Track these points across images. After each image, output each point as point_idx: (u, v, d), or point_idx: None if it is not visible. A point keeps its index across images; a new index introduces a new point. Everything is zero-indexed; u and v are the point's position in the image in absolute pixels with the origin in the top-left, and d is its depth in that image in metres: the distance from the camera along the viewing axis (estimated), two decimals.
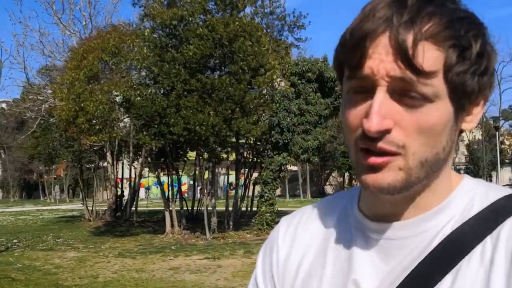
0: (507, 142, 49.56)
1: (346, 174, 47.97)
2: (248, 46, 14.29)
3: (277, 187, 16.56)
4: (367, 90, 0.65)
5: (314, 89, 16.26)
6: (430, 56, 0.62)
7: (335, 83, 16.36)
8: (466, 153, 53.17)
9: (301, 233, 0.84)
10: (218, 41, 13.88)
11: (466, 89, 0.65)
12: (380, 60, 0.63)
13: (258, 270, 0.87)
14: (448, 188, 0.73)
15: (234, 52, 14.23)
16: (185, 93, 14.48)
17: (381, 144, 0.64)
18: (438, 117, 0.65)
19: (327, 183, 51.87)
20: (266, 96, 15.30)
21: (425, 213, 0.71)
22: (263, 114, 15.95)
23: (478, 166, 42.45)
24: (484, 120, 43.51)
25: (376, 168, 0.65)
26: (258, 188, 17.41)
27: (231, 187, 28.14)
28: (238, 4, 14.66)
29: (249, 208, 21.20)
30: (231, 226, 16.74)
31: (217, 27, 13.85)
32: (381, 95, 0.64)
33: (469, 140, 45.51)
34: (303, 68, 16.21)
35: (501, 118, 44.64)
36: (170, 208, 16.79)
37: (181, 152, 19.63)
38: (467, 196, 0.73)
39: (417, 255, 0.70)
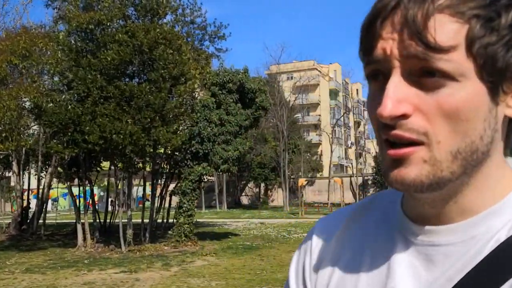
0: None
1: (262, 184, 48.56)
2: (169, 54, 14.08)
3: (196, 198, 16.36)
4: (384, 75, 0.60)
5: (234, 100, 16.31)
6: (445, 29, 0.56)
7: (255, 94, 16.54)
8: (373, 164, 55.91)
9: (337, 235, 0.78)
10: (138, 48, 13.53)
11: (498, 64, 0.57)
12: (392, 39, 0.58)
13: (291, 273, 0.82)
14: (503, 187, 0.64)
15: (155, 60, 13.95)
16: (102, 100, 13.94)
17: (397, 131, 0.58)
18: (466, 99, 0.57)
19: (243, 194, 52.13)
20: (187, 106, 15.11)
21: (473, 216, 0.63)
22: (183, 124, 15.74)
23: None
24: None
25: (399, 162, 0.59)
26: (176, 199, 17.10)
27: (144, 199, 27.54)
28: (159, 11, 14.42)
29: (165, 220, 20.76)
30: (147, 239, 16.26)
31: (138, 33, 13.51)
32: (395, 78, 0.58)
33: (376, 152, 47.82)
34: (224, 79, 16.23)
35: None
36: (83, 221, 16.00)
37: (94, 162, 18.86)
38: None
39: (465, 265, 0.62)
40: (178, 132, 14.51)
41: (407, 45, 0.57)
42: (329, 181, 45.56)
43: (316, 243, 0.79)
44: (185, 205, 16.00)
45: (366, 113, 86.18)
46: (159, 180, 19.68)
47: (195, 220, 16.59)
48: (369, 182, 49.40)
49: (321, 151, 65.89)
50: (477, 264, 0.61)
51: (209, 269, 11.99)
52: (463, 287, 0.60)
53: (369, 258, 0.72)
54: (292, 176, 46.56)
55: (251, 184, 50.47)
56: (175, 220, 16.49)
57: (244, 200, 52.09)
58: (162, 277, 11.09)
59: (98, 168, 20.26)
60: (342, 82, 74.58)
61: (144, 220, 16.79)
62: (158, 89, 13.78)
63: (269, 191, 49.32)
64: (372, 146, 63.62)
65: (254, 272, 11.49)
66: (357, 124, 79.26)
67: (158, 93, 13.70)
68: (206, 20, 17.29)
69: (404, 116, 0.57)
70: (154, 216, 17.21)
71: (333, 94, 71.83)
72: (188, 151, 16.17)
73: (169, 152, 16.23)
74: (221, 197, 45.24)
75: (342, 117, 70.54)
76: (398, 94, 0.57)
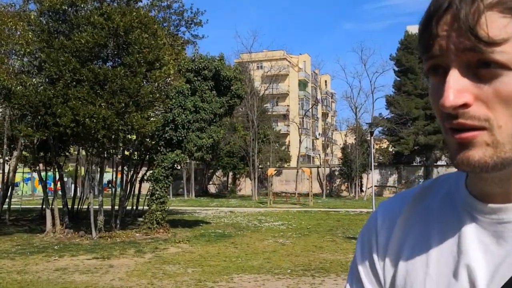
0: (376, 147, 53.57)
1: (230, 173, 48.52)
2: (145, 38, 13.84)
3: (169, 185, 16.22)
4: (443, 70, 0.65)
5: (210, 87, 16.19)
6: (496, 24, 0.61)
7: (230, 82, 16.46)
8: (340, 155, 56.54)
9: (402, 216, 0.81)
10: (114, 31, 13.23)
11: None
12: (448, 37, 0.63)
13: (358, 252, 0.86)
14: None
15: (130, 44, 13.68)
16: (74, 83, 13.60)
17: (461, 120, 0.63)
18: None
19: (211, 183, 51.98)
20: (162, 92, 14.89)
21: None
22: (157, 110, 15.53)
23: (351, 168, 45.28)
24: (358, 126, 46.62)
25: (464, 145, 0.64)
26: (146, 186, 16.92)
27: (110, 185, 27.06)
28: None
29: (134, 207, 20.53)
30: (118, 225, 16.05)
31: (114, 16, 13.20)
32: (454, 71, 0.63)
33: (344, 144, 48.41)
34: (200, 65, 16.07)
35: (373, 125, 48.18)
36: (52, 206, 15.65)
37: (62, 146, 18.44)
38: None
39: None
40: (152, 118, 14.28)
41: (463, 41, 0.62)
42: (298, 172, 45.91)
43: (382, 223, 0.83)
44: (157, 192, 15.85)
45: (334, 105, 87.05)
46: (129, 167, 19.39)
47: (167, 207, 16.46)
48: (336, 173, 50.02)
49: (289, 141, 66.24)
50: None
51: (184, 256, 11.93)
52: None
53: (437, 236, 0.75)
54: (260, 166, 46.66)
55: (219, 173, 50.36)
56: (147, 207, 16.32)
57: (212, 188, 51.96)
58: (136, 264, 10.98)
59: (67, 153, 19.83)
60: (311, 73, 74.99)
61: (115, 207, 16.54)
62: (133, 74, 13.54)
63: (237, 180, 49.33)
64: (339, 138, 64.25)
65: (230, 259, 11.50)
66: (325, 115, 80.00)
67: (133, 77, 13.46)
68: (184, 6, 17.05)
69: (466, 106, 0.62)
70: (125, 202, 16.96)
71: (302, 85, 72.19)
72: (162, 138, 15.99)
73: (140, 138, 15.98)
74: (189, 185, 44.99)
75: (311, 108, 71.06)
76: (458, 86, 0.62)
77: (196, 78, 16.16)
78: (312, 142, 74.83)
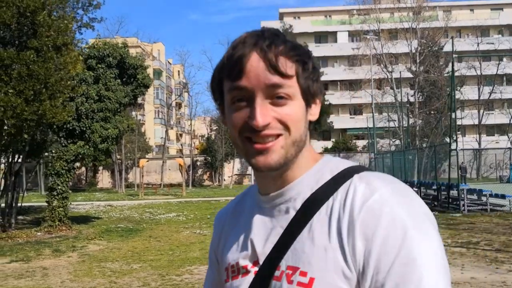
0: None
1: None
2: (54, 20, 12.74)
3: (71, 179, 15.15)
4: (247, 98, 0.91)
5: (115, 75, 15.43)
6: (287, 66, 0.90)
7: (136, 70, 15.87)
8: (197, 144, 57.01)
9: (228, 215, 1.16)
10: (23, 10, 11.94)
11: (311, 90, 0.95)
12: (256, 74, 0.89)
13: (210, 252, 1.20)
14: (310, 163, 1.00)
15: (38, 25, 12.47)
16: None
17: (266, 132, 0.90)
18: (298, 110, 0.93)
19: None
20: (72, 79, 13.76)
21: (290, 183, 0.98)
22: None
23: (216, 157, 46.17)
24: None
25: (263, 151, 0.91)
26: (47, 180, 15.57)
27: None
28: None
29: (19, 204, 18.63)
30: (12, 224, 14.55)
31: None
32: (259, 100, 0.90)
33: (208, 134, 49.07)
34: (104, 52, 15.22)
35: None
36: None
37: None
38: (323, 169, 0.98)
39: (288, 215, 0.96)
40: (66, 107, 13.18)
41: (268, 77, 0.89)
42: (163, 162, 45.36)
43: (216, 227, 1.18)
44: (59, 187, 14.70)
45: (186, 94, 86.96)
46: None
47: (69, 203, 15.36)
48: (198, 163, 50.47)
49: (145, 131, 64.83)
50: (294, 214, 0.96)
51: (114, 253, 11.39)
52: (288, 230, 0.95)
53: (242, 223, 1.08)
54: (119, 157, 45.10)
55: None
56: (46, 204, 15.04)
57: None
58: (70, 264, 10.22)
59: None
60: (166, 63, 74.13)
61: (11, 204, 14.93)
62: (43, 59, 12.39)
63: (97, 173, 47.05)
64: (200, 128, 64.73)
65: (165, 252, 11.29)
66: (179, 105, 79.78)
67: (43, 62, 12.32)
68: None
69: (269, 124, 0.90)
70: (12, 199, 15.35)
71: (157, 74, 71.00)
72: (63, 129, 14.84)
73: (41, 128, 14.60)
74: (36, 179, 41.52)
75: (165, 98, 70.35)
76: (264, 111, 0.89)
77: (100, 65, 15.27)
78: (166, 132, 74.12)
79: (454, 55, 18.46)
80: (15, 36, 12.71)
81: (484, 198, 18.49)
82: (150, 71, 68.91)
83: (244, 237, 1.03)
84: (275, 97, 0.90)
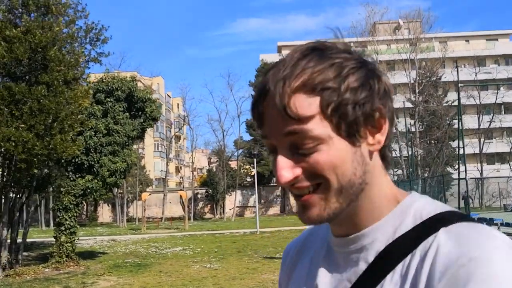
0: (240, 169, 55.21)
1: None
2: (64, 55, 12.82)
3: (79, 214, 14.98)
4: (272, 149, 0.79)
5: (123, 109, 15.45)
6: (303, 104, 0.73)
7: (144, 104, 15.91)
8: (197, 178, 56.82)
9: (295, 251, 1.02)
10: (35, 46, 12.01)
11: (349, 119, 0.75)
12: (271, 122, 0.76)
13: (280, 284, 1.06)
14: (389, 205, 0.82)
15: (49, 60, 12.53)
16: None
17: (298, 185, 0.76)
18: (334, 153, 0.75)
19: None
20: (81, 113, 13.76)
21: (367, 228, 0.81)
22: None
23: (217, 190, 45.95)
24: (222, 148, 47.62)
25: (305, 206, 0.78)
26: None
27: None
28: (52, 8, 12.97)
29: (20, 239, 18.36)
30: (20, 261, 14.30)
31: (33, 30, 12.01)
32: (282, 152, 0.76)
33: (209, 166, 48.98)
34: (113, 86, 15.28)
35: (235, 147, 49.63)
36: None
37: None
38: (404, 213, 0.80)
39: (357, 268, 0.81)
40: (76, 141, 13.13)
41: (282, 126, 0.74)
42: (164, 196, 45.10)
43: (285, 256, 1.04)
44: (67, 222, 14.52)
45: (186, 127, 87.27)
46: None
47: (77, 238, 15.14)
48: (199, 196, 50.18)
49: (144, 164, 64.71)
50: (364, 270, 0.80)
51: None
52: (357, 285, 0.80)
53: (308, 264, 0.94)
54: (120, 191, 44.83)
55: None
56: (54, 239, 14.81)
57: None
58: None
59: None
60: (165, 96, 74.64)
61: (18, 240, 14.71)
62: (53, 93, 12.41)
63: (98, 207, 46.70)
64: (200, 160, 64.67)
65: None
66: (178, 138, 79.93)
67: (54, 97, 12.34)
68: (93, 23, 15.94)
69: (297, 178, 0.76)
70: (26, 235, 15.15)
71: None
72: (71, 163, 14.75)
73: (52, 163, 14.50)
74: (36, 214, 41.15)
75: (165, 131, 70.55)
76: (287, 165, 0.75)
77: (108, 99, 15.31)
78: (166, 165, 74.02)
79: (460, 84, 18.55)
80: (26, 71, 12.76)
81: (495, 227, 18.31)
82: None
83: (309, 280, 0.89)
84: (300, 145, 0.74)
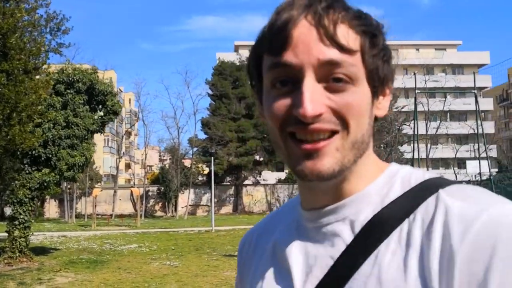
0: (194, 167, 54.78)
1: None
2: (26, 43, 12.38)
3: (34, 208, 14.47)
4: (293, 79, 0.68)
5: (84, 101, 15.05)
6: (350, 36, 0.68)
7: (105, 97, 15.56)
8: (142, 174, 56.00)
9: (264, 231, 0.91)
10: None
11: (379, 73, 0.71)
12: (306, 46, 0.66)
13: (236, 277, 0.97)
14: (374, 173, 0.75)
15: (10, 48, 12.05)
16: None
17: (316, 125, 0.66)
18: (362, 99, 0.69)
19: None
20: (43, 105, 13.27)
21: (347, 198, 0.73)
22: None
23: (170, 187, 45.46)
24: (177, 146, 47.16)
25: (312, 154, 0.68)
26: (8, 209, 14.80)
27: None
28: None
29: None
30: None
31: None
32: (310, 82, 0.67)
33: (162, 164, 48.37)
34: (74, 78, 14.86)
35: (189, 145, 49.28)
36: None
37: None
38: (391, 181, 0.74)
39: (341, 242, 0.72)
40: (35, 133, 12.67)
41: (323, 50, 0.66)
42: (114, 192, 44.19)
43: (241, 246, 0.94)
44: (21, 216, 14.00)
45: (138, 123, 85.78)
46: None
47: (31, 233, 14.63)
48: (150, 193, 49.47)
49: (93, 160, 63.11)
50: (350, 242, 0.71)
51: (86, 286, 10.89)
52: (340, 262, 0.70)
53: (272, 246, 0.83)
54: (68, 187, 43.57)
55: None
56: (6, 234, 14.25)
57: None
58: None
59: None
60: (117, 90, 73.07)
61: None
62: (13, 82, 11.95)
63: (45, 203, 45.20)
64: (152, 157, 63.61)
65: (141, 285, 10.90)
66: (128, 134, 78.49)
67: (14, 86, 11.88)
68: (55, 12, 15.43)
69: (320, 115, 0.67)
70: None
71: None
72: (27, 155, 14.23)
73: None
74: None
75: (115, 126, 69.12)
76: (314, 97, 0.66)
77: (68, 91, 14.88)
78: (116, 161, 72.55)
79: (416, 91, 19.23)
80: None
81: None
82: None
83: (279, 265, 0.78)
84: (332, 79, 0.67)
